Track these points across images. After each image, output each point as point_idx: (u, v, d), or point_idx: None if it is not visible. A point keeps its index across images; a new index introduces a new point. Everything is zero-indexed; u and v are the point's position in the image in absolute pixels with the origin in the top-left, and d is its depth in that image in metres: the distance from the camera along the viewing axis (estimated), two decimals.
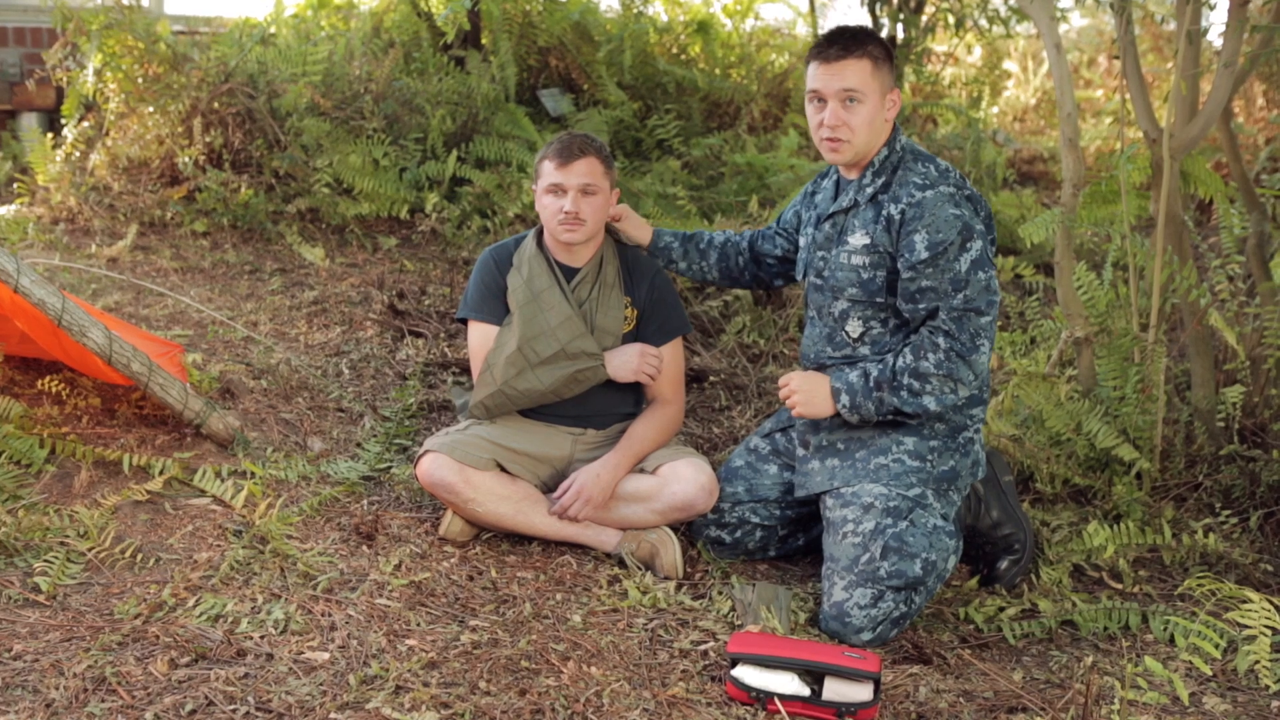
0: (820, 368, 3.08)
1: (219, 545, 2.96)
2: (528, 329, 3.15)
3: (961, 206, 2.87)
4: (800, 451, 3.09)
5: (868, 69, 2.87)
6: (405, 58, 6.49)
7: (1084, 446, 3.47)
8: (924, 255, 2.84)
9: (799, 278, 3.20)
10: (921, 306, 2.88)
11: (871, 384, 2.90)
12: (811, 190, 3.23)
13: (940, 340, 2.85)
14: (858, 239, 2.96)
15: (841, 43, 2.88)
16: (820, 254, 3.05)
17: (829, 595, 2.82)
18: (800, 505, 3.14)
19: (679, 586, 2.97)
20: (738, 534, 3.14)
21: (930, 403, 2.87)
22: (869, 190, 2.96)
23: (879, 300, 2.96)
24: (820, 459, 3.02)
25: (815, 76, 2.92)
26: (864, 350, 3.01)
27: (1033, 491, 3.46)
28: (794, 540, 3.19)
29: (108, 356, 3.21)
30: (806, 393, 2.97)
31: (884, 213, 2.91)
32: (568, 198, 3.11)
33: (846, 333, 3.02)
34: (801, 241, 3.19)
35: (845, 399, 2.93)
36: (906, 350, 2.89)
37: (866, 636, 2.76)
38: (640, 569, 3.03)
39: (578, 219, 3.11)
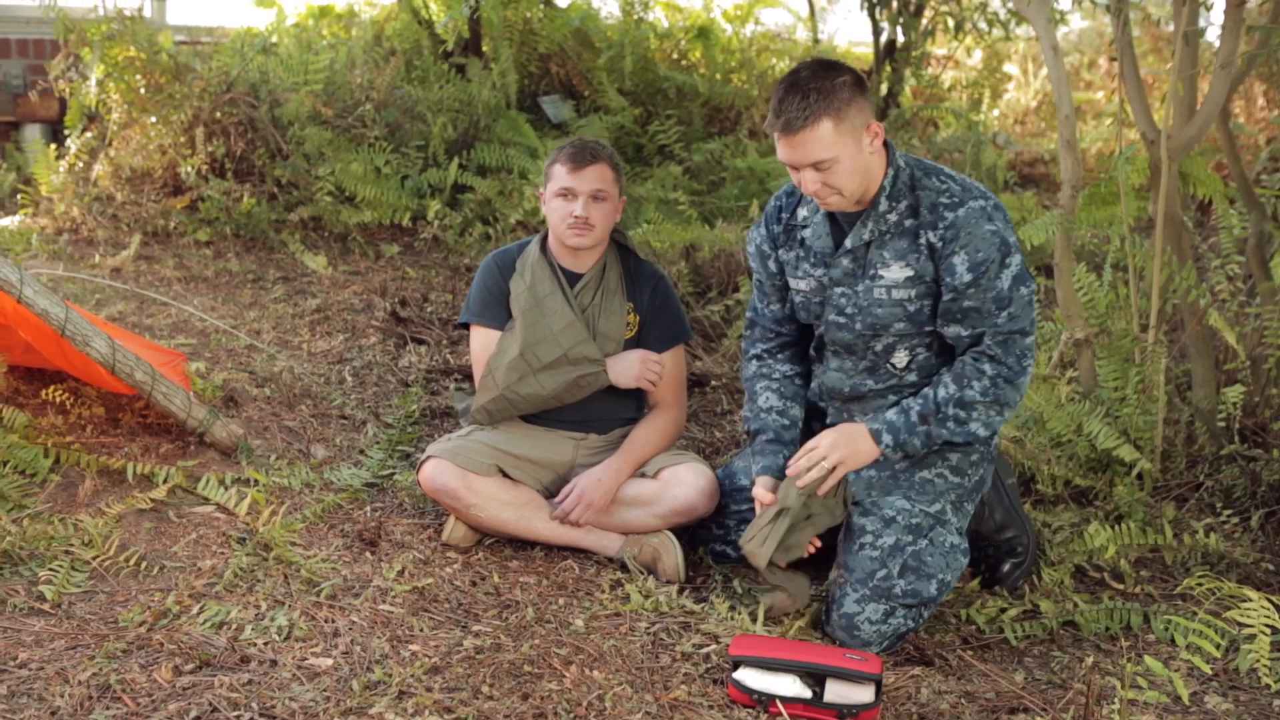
0: (859, 399, 2.95)
1: (223, 553, 2.97)
2: (530, 334, 3.16)
3: (995, 220, 2.72)
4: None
5: (830, 130, 2.63)
6: (406, 66, 6.52)
7: (1085, 447, 3.47)
8: (966, 277, 2.71)
9: (808, 318, 2.98)
10: (965, 332, 2.76)
11: (915, 419, 2.78)
12: (781, 234, 2.97)
13: (986, 367, 2.75)
14: (896, 272, 2.79)
15: (795, 107, 2.63)
16: (841, 290, 2.87)
17: (839, 605, 2.79)
18: None
19: (681, 590, 2.97)
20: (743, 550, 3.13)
21: (979, 429, 2.78)
22: (891, 217, 2.79)
23: (928, 329, 2.83)
24: (856, 470, 2.91)
25: (780, 148, 2.70)
26: (911, 378, 2.88)
27: (1034, 493, 3.46)
28: None
29: (111, 366, 3.23)
30: (844, 448, 2.78)
31: (922, 240, 2.76)
32: (578, 202, 3.11)
33: (892, 364, 2.89)
34: (800, 285, 2.95)
35: (888, 438, 2.79)
36: (948, 379, 2.78)
37: (874, 650, 2.75)
38: (642, 573, 3.04)
39: (588, 224, 3.12)
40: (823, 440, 2.80)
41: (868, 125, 2.70)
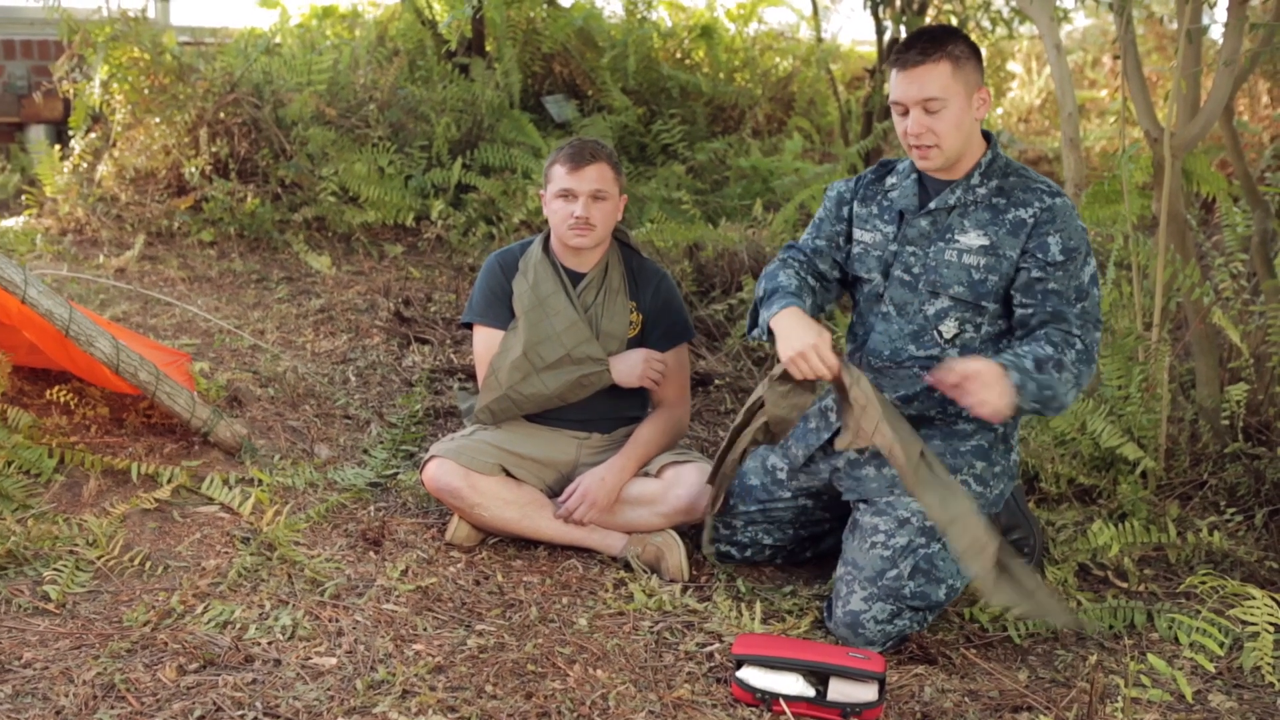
0: (898, 365, 2.94)
1: (227, 552, 2.98)
2: (533, 334, 3.16)
3: (1080, 221, 2.83)
4: (853, 454, 2.97)
5: (947, 72, 2.76)
6: (410, 66, 6.53)
7: (1089, 446, 3.47)
8: (1058, 257, 2.76)
9: (867, 273, 2.99)
10: (1048, 307, 2.78)
11: (1030, 365, 2.68)
12: (866, 190, 3.03)
13: (1076, 343, 2.76)
14: (973, 239, 2.85)
15: (919, 46, 2.77)
16: (911, 249, 2.91)
17: (844, 602, 2.77)
18: (814, 525, 3.12)
19: (684, 589, 2.98)
20: (748, 552, 3.12)
21: (1065, 394, 2.71)
22: (980, 191, 2.86)
23: (983, 304, 2.85)
24: (877, 466, 2.90)
25: (895, 85, 2.82)
26: (952, 353, 2.87)
27: (1038, 491, 3.47)
28: (802, 553, 3.18)
29: (115, 366, 3.24)
30: (985, 385, 2.59)
31: (1009, 216, 2.81)
32: (578, 203, 3.12)
33: (939, 332, 2.89)
34: (865, 237, 2.99)
35: (1015, 376, 2.62)
36: (1042, 343, 2.73)
37: (877, 649, 2.74)
38: (646, 572, 3.04)
39: (588, 224, 3.12)
40: (970, 366, 2.61)
41: (979, 87, 2.82)
